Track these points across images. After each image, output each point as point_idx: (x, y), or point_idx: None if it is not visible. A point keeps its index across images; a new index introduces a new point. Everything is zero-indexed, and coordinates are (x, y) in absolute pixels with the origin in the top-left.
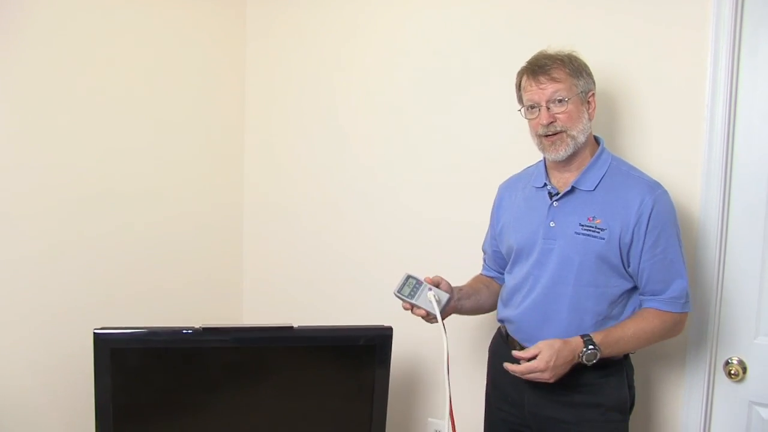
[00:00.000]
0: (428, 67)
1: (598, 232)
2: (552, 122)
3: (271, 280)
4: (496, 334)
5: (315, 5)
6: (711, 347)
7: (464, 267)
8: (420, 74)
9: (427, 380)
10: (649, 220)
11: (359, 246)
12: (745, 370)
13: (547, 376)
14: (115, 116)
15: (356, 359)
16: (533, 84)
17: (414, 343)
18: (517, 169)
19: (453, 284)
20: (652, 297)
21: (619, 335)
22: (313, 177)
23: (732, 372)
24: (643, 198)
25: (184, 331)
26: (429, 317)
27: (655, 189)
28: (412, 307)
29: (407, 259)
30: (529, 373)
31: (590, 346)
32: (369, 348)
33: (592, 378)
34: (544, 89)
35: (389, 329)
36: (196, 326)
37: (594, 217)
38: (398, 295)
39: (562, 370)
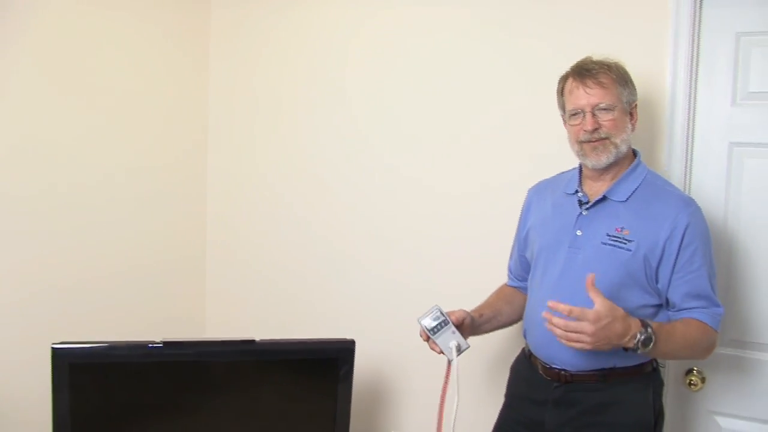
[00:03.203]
0: (401, 64)
1: (625, 243)
2: (597, 128)
3: (235, 292)
4: (520, 353)
5: None
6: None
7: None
8: (392, 73)
9: (390, 392)
10: (683, 237)
11: (324, 258)
12: (704, 380)
13: (588, 341)
14: (76, 123)
15: (318, 373)
16: (580, 87)
17: (378, 355)
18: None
19: (475, 300)
20: (692, 309)
21: (670, 330)
22: (278, 190)
23: (691, 382)
24: (677, 213)
25: (146, 346)
26: (440, 353)
27: (689, 204)
28: (429, 339)
29: (373, 273)
30: (571, 332)
31: (648, 329)
32: (331, 361)
33: (617, 396)
34: (592, 94)
35: (351, 342)
36: (157, 341)
37: (622, 228)
38: (423, 325)
39: (606, 341)
